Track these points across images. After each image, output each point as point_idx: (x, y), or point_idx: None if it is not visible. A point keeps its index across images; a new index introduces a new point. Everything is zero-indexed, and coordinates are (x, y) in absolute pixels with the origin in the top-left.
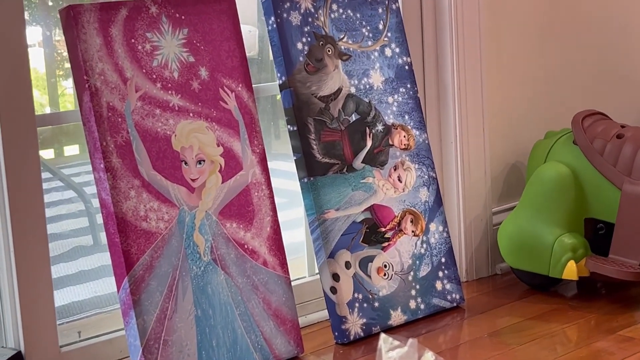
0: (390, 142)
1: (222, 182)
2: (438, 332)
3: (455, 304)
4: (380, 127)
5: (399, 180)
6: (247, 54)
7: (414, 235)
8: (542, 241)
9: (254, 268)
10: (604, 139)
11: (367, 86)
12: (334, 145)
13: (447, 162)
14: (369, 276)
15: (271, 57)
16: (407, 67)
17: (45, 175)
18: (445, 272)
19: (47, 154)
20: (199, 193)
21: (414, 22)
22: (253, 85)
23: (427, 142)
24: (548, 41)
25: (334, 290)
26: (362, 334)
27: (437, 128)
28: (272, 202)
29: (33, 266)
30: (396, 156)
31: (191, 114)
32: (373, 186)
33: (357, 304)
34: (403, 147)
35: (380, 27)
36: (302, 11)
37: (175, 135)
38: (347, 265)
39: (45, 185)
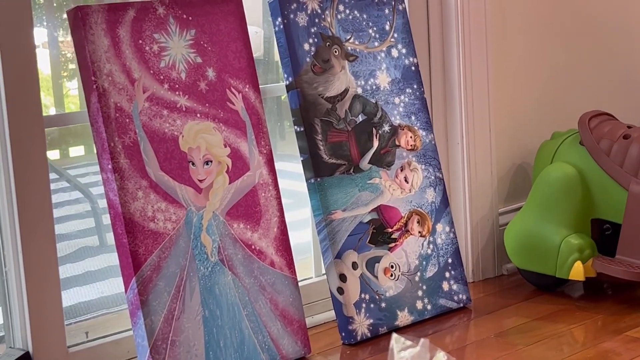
0: (397, 143)
1: (230, 183)
2: (445, 332)
3: (462, 305)
4: (386, 128)
5: (406, 180)
6: (254, 55)
7: (421, 236)
8: (548, 242)
9: (261, 269)
10: (610, 140)
11: (374, 87)
12: (340, 146)
13: (454, 162)
14: (376, 277)
15: (277, 58)
16: (413, 68)
17: (51, 176)
18: (452, 272)
19: (53, 154)
20: (206, 194)
21: (420, 22)
22: (260, 86)
23: (433, 142)
24: (554, 42)
25: (340, 290)
26: (369, 335)
27: (443, 129)
28: (279, 203)
29: (41, 267)
30: (403, 157)
31: (198, 115)
32: (380, 187)
33: (364, 305)
34: (410, 147)
35: (387, 28)
36: (308, 12)
37: (183, 136)
38: (354, 265)
39: (52, 186)
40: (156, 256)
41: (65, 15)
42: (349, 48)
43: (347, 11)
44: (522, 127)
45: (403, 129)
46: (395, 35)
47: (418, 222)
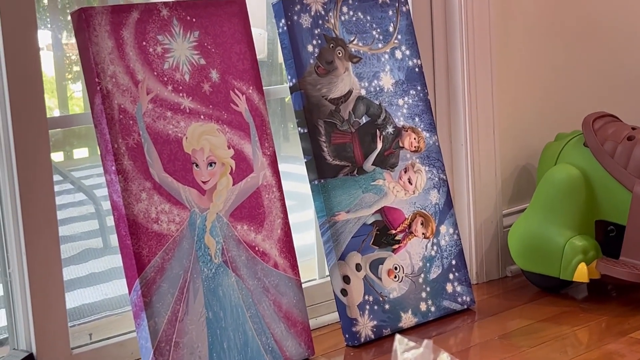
0: (401, 145)
1: (233, 185)
2: (448, 334)
3: (465, 307)
4: (390, 130)
5: (410, 182)
6: (257, 57)
7: (425, 238)
8: (552, 243)
9: (265, 270)
10: (614, 141)
11: (378, 88)
12: (344, 147)
13: (458, 164)
14: (380, 278)
15: (280, 60)
16: (417, 70)
17: (55, 178)
18: (456, 274)
19: (57, 156)
20: (210, 195)
21: (424, 24)
22: (263, 88)
23: (437, 144)
24: (558, 43)
25: (344, 292)
26: (372, 337)
27: (447, 130)
28: (283, 204)
29: (45, 268)
30: (406, 158)
31: (202, 117)
32: (383, 188)
33: (367, 306)
34: (413, 149)
35: (391, 29)
36: (312, 14)
37: (187, 138)
38: (358, 267)
39: (55, 188)
40: (160, 258)
41: (69, 17)
42: (353, 49)
43: (351, 13)
44: (526, 129)
45: (407, 131)
46: (399, 36)
47: (422, 223)
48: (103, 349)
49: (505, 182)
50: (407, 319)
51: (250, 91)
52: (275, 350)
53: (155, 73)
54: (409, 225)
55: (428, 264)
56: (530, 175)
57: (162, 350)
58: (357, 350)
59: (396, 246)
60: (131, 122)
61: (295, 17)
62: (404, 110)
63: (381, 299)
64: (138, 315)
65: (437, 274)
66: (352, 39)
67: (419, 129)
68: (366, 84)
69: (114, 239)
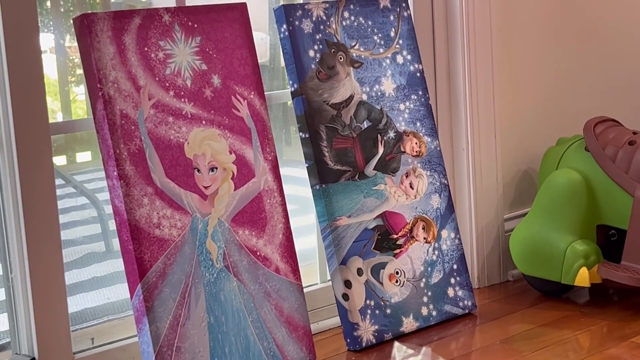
0: (402, 149)
1: (235, 190)
2: (450, 339)
3: (467, 311)
4: (392, 134)
5: (411, 187)
6: (259, 62)
7: (426, 242)
8: (554, 248)
9: (266, 275)
10: (616, 146)
11: (379, 93)
12: (345, 152)
13: (459, 168)
14: (381, 283)
15: (282, 65)
16: (418, 74)
17: (58, 182)
18: (457, 278)
19: (59, 160)
20: (211, 200)
21: (425, 29)
22: (265, 93)
23: (438, 149)
24: (560, 48)
25: (346, 297)
26: (374, 341)
27: (448, 135)
28: (285, 209)
29: (47, 272)
30: (408, 163)
31: (204, 122)
32: (385, 193)
33: (369, 311)
34: (415, 154)
35: (392, 34)
36: (313, 19)
37: (188, 143)
38: (359, 272)
39: (58, 192)
40: (161, 263)
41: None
42: (354, 54)
43: (352, 18)
44: (528, 133)
45: (408, 135)
46: (401, 41)
47: (423, 228)
48: (105, 353)
49: (506, 187)
50: (409, 324)
51: (251, 96)
52: (276, 354)
53: (157, 78)
54: (411, 230)
55: (429, 269)
56: (531, 180)
57: (164, 355)
58: (358, 354)
59: (397, 251)
60: (133, 127)
61: (297, 23)
62: (406, 115)
63: (382, 303)
64: (140, 320)
65: (439, 278)
66: (353, 44)
67: (421, 134)
68: (367, 89)
69: (116, 243)
